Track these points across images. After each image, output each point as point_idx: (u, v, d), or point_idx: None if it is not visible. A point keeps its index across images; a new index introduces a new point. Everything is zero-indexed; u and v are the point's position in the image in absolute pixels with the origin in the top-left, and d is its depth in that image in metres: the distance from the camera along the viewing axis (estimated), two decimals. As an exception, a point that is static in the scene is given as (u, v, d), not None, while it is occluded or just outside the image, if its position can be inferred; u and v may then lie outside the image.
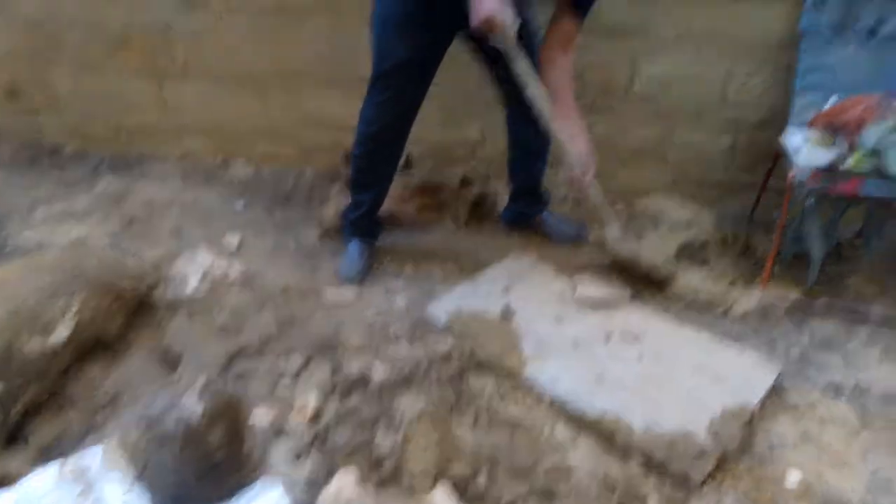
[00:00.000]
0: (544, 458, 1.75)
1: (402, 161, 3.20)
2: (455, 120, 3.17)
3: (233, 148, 3.56)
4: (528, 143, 2.65)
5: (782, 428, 1.90)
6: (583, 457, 1.76)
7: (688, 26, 2.77)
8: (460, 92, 3.09)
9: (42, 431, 1.90)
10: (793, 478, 1.74)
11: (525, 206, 2.80)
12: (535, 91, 2.20)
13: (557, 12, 2.27)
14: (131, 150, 3.69)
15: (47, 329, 1.95)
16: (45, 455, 1.81)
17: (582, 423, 1.86)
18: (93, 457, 1.67)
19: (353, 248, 2.62)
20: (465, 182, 3.06)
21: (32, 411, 1.92)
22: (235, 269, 2.56)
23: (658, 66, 2.87)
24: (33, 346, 1.89)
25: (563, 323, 2.23)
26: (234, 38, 3.25)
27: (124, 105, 3.59)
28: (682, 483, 1.68)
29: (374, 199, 2.59)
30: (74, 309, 2.02)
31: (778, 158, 2.69)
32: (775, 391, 2.01)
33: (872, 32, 2.58)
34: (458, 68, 3.03)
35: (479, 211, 2.99)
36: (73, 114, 3.69)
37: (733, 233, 2.81)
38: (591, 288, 2.35)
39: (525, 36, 2.23)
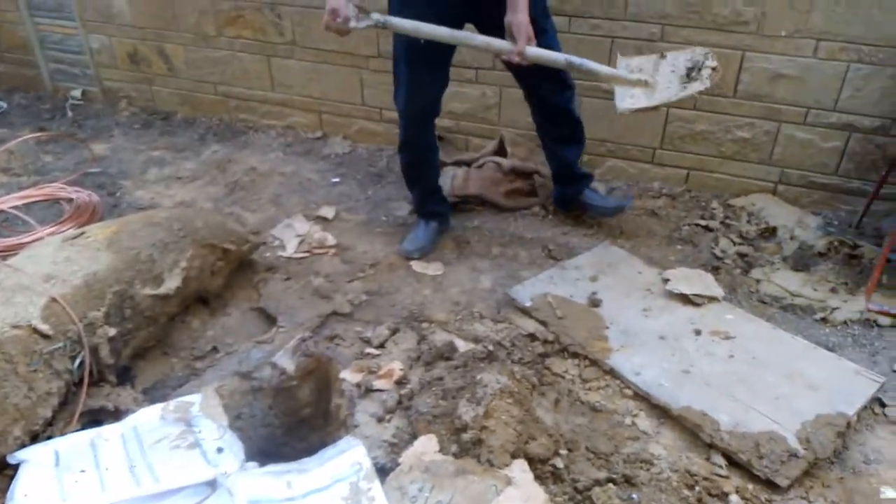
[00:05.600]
0: (624, 445, 1.74)
1: (494, 145, 3.24)
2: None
3: (332, 124, 3.67)
4: (553, 133, 2.66)
5: (880, 442, 1.81)
6: (664, 449, 1.74)
7: (804, 21, 2.65)
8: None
9: (147, 374, 2.06)
10: (888, 494, 1.66)
11: (566, 186, 2.81)
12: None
13: None
14: (237, 120, 3.87)
15: (158, 280, 2.09)
16: (149, 395, 1.95)
17: (665, 416, 1.84)
18: (193, 401, 1.79)
19: (419, 227, 2.69)
20: (557, 169, 3.04)
21: (140, 355, 2.07)
22: (330, 239, 2.67)
23: (769, 62, 2.76)
24: (145, 294, 2.03)
25: (651, 315, 2.20)
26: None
27: (233, 77, 3.76)
28: (767, 485, 1.64)
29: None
30: (183, 264, 2.16)
31: (894, 164, 2.54)
32: (874, 404, 1.92)
33: None
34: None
35: (570, 198, 2.96)
36: (185, 83, 3.90)
37: (838, 239, 2.67)
38: (683, 283, 2.31)
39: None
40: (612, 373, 1.98)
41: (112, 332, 1.87)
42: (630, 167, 3.17)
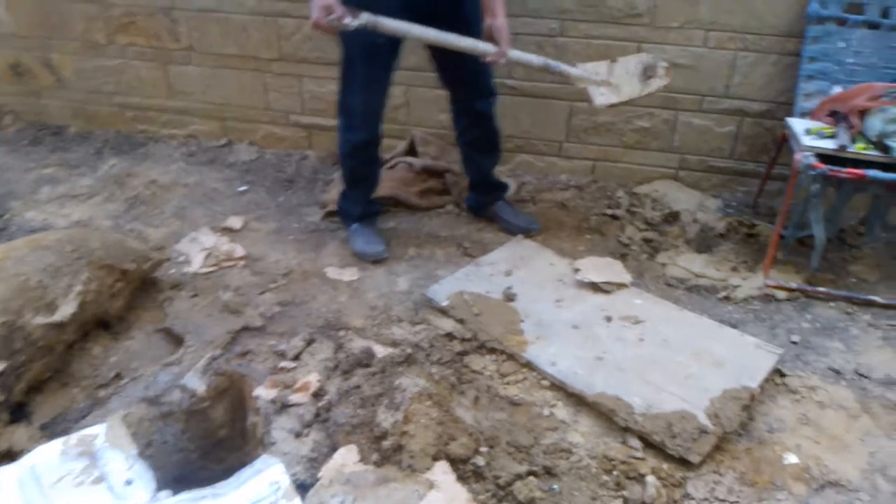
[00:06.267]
0: (544, 437, 1.77)
1: (405, 145, 3.22)
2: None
3: (236, 130, 3.56)
4: (472, 140, 2.71)
5: (782, 411, 1.91)
6: (582, 436, 1.78)
7: (694, 13, 2.76)
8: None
9: (45, 408, 1.92)
10: (791, 460, 1.75)
11: (481, 195, 2.86)
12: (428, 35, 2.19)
13: None
14: (135, 131, 3.69)
15: (51, 307, 1.96)
16: (49, 431, 1.83)
17: (581, 403, 1.87)
18: (97, 432, 1.69)
19: (362, 231, 2.65)
20: (468, 166, 3.05)
21: (36, 388, 1.94)
22: (238, 251, 2.59)
23: (663, 52, 2.86)
24: (37, 324, 1.90)
25: (564, 305, 2.24)
26: (238, 19, 3.24)
27: (128, 87, 3.59)
28: (681, 463, 1.70)
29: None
30: (78, 288, 2.04)
31: (782, 145, 2.68)
32: (775, 375, 2.02)
33: (878, 21, 2.58)
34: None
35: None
36: (77, 94, 3.69)
37: (736, 219, 2.81)
38: (592, 272, 2.36)
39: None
40: (529, 365, 2.00)
41: (0, 366, 1.75)
42: (538, 161, 3.22)
